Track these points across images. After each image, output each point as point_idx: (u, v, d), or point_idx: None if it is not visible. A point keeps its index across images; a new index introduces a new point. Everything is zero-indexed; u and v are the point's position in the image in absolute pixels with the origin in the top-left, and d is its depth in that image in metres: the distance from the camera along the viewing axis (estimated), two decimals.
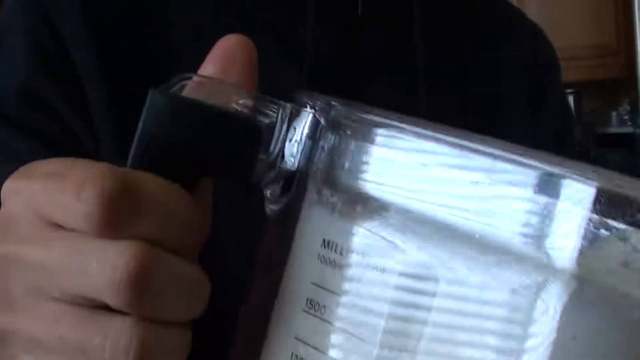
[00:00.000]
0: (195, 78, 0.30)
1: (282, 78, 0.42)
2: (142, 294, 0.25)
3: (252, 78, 0.30)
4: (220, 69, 0.30)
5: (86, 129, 0.48)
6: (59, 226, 0.26)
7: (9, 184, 0.28)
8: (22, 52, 0.49)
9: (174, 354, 0.26)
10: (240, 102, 0.29)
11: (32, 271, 0.26)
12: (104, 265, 0.25)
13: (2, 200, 0.28)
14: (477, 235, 0.22)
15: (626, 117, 3.00)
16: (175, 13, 0.52)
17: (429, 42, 0.57)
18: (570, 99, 2.68)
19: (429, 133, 0.24)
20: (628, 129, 2.95)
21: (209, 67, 0.31)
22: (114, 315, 0.26)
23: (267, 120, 0.29)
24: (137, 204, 0.25)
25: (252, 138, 0.29)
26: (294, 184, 0.29)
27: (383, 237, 0.25)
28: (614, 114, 3.07)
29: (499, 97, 0.62)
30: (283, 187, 0.30)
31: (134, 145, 0.28)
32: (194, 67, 0.49)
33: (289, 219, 0.29)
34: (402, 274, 0.24)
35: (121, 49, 0.50)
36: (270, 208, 0.31)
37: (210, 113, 0.28)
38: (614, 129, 3.05)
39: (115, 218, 0.25)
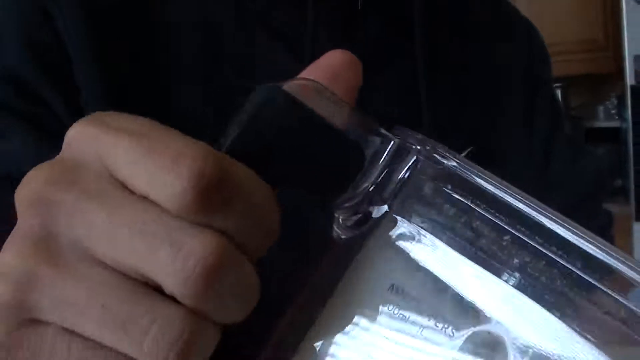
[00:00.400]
0: (299, 81, 0.27)
1: (282, 76, 0.41)
2: (209, 290, 0.23)
3: (354, 99, 0.28)
4: (324, 81, 0.28)
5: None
6: (130, 190, 0.24)
7: (76, 128, 0.25)
8: (16, 46, 0.48)
9: (204, 353, 0.24)
10: (342, 120, 0.27)
11: (88, 228, 0.24)
12: (178, 250, 0.23)
13: (65, 144, 0.26)
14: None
15: (613, 112, 3.00)
16: (174, 9, 0.51)
17: (429, 38, 0.57)
18: (558, 93, 2.69)
19: (530, 211, 0.23)
20: (615, 123, 2.94)
21: (312, 77, 0.28)
22: (165, 300, 0.23)
23: (368, 149, 0.27)
24: (230, 195, 0.23)
25: (355, 164, 0.27)
26: (374, 221, 0.27)
27: (459, 299, 0.24)
28: (601, 108, 3.07)
29: (498, 95, 0.62)
30: (360, 220, 0.28)
31: (234, 132, 0.25)
32: (191, 64, 0.50)
33: (352, 249, 0.28)
34: (470, 337, 0.24)
35: (118, 43, 0.49)
36: (337, 233, 0.29)
37: (322, 125, 0.26)
38: (601, 123, 3.05)
39: (209, 205, 0.23)
